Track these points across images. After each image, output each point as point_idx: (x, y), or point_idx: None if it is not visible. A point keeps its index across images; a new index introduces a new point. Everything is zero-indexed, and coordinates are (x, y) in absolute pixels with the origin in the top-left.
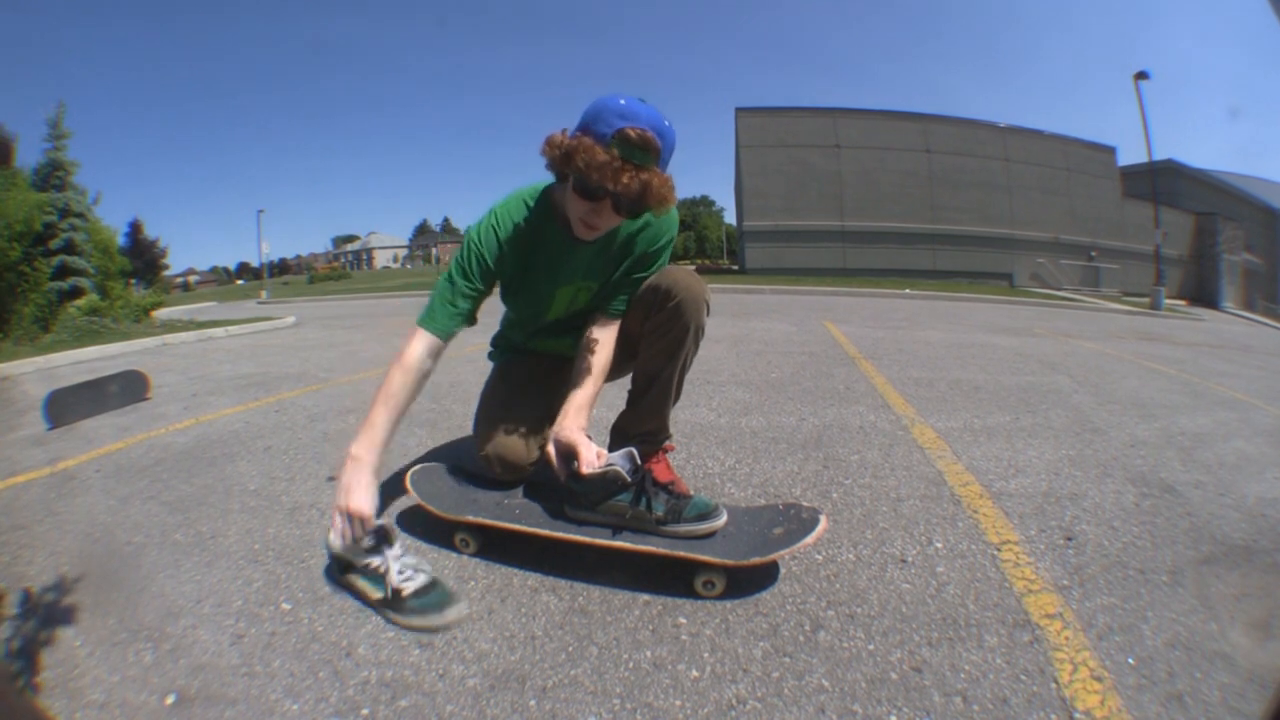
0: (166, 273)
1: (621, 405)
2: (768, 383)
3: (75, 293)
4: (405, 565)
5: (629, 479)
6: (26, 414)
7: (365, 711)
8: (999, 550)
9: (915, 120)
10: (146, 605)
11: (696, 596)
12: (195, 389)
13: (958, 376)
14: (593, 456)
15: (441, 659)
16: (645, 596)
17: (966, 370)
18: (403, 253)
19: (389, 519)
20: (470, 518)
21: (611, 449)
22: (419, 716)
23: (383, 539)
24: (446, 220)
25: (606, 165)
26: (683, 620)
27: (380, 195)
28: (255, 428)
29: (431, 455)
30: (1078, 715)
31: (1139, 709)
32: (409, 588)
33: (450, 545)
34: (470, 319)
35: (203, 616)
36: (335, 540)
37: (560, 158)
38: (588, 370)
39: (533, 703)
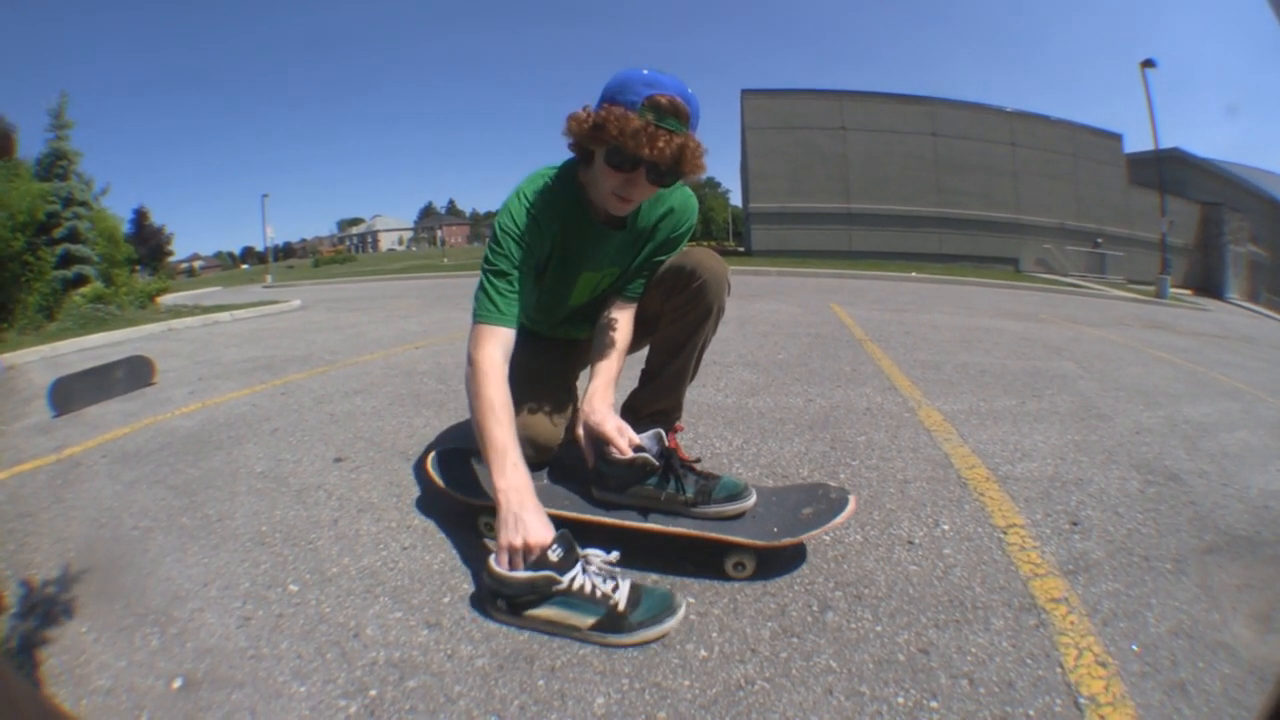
0: (171, 259)
1: (633, 385)
2: (775, 364)
3: (80, 281)
4: (602, 574)
5: (657, 464)
6: (32, 402)
7: (373, 693)
8: (1005, 534)
9: (921, 104)
10: (153, 589)
11: (704, 576)
12: (201, 373)
13: (964, 360)
14: (623, 442)
15: (450, 639)
16: (653, 576)
17: (973, 354)
18: (408, 235)
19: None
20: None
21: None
22: (427, 697)
23: (570, 548)
24: (451, 202)
25: (641, 131)
26: (691, 600)
27: (385, 178)
28: (261, 411)
29: (443, 438)
30: (1082, 700)
31: (1142, 695)
32: (623, 599)
33: (472, 530)
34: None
35: (209, 600)
36: (506, 567)
37: (590, 131)
38: (609, 351)
39: (541, 682)
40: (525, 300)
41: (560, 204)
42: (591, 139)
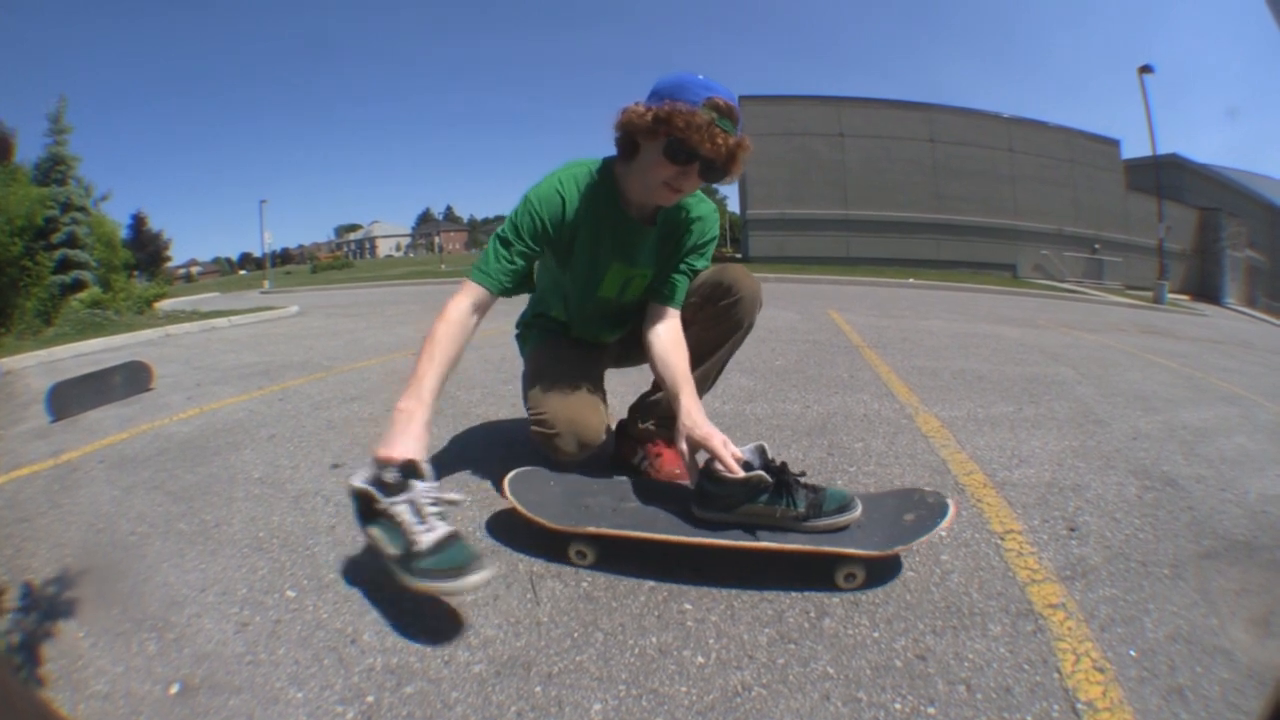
0: (169, 264)
1: (639, 387)
2: (772, 370)
3: (77, 286)
4: (428, 510)
5: (770, 480)
6: (29, 407)
7: (370, 699)
8: (1003, 539)
9: (919, 110)
10: (150, 595)
11: (701, 583)
12: (199, 379)
13: (961, 366)
14: (730, 459)
15: (447, 645)
16: (650, 583)
17: (970, 360)
18: (406, 242)
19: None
20: (592, 529)
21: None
22: (424, 703)
23: (410, 474)
24: (450, 209)
25: (706, 127)
26: (688, 606)
27: (383, 184)
28: (259, 416)
29: (450, 442)
30: (1080, 706)
31: (1140, 701)
32: (424, 541)
33: (563, 559)
34: (525, 278)
35: (207, 605)
36: (357, 476)
37: (650, 124)
38: (680, 361)
39: (538, 689)
40: (554, 282)
41: (595, 193)
42: (650, 132)
